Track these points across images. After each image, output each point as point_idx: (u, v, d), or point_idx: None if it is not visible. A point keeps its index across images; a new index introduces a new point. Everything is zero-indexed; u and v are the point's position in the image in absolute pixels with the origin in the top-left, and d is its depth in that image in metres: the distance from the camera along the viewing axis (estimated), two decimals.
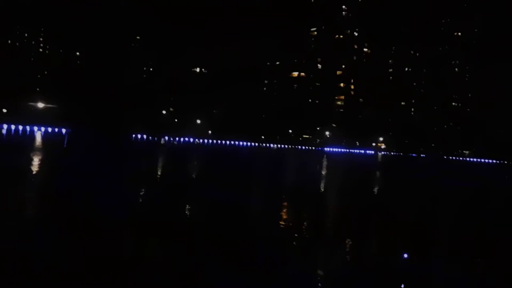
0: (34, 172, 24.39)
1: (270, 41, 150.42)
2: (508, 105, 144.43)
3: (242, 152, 76.96)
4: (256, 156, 71.81)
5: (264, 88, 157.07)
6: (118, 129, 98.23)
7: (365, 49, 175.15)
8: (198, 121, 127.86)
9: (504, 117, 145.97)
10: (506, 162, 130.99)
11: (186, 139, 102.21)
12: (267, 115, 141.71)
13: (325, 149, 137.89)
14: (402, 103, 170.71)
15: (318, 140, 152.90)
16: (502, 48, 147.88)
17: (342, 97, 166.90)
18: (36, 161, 30.22)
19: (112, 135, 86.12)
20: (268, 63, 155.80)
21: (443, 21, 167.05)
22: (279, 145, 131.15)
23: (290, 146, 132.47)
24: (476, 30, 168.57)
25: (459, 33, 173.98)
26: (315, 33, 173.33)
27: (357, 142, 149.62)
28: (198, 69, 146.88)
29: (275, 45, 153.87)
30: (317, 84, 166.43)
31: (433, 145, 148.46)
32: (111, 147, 59.95)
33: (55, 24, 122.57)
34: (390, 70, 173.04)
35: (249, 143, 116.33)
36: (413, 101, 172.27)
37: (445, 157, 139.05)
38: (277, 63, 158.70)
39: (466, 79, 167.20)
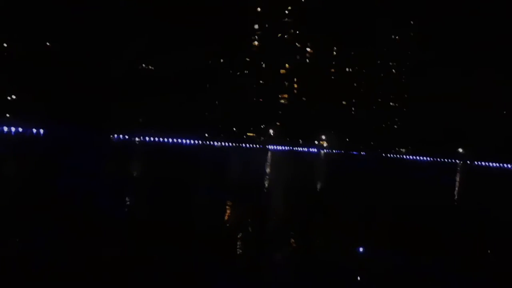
0: None
1: (214, 39, 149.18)
2: (443, 104, 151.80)
3: (174, 151, 75.12)
4: (191, 154, 70.52)
5: (207, 85, 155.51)
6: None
7: (308, 49, 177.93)
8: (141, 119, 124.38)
9: (438, 116, 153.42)
10: (439, 159, 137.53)
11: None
12: (210, 113, 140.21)
13: (269, 147, 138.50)
14: (344, 102, 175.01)
15: (262, 138, 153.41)
16: (438, 49, 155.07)
17: (286, 95, 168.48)
18: None
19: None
20: (210, 62, 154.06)
21: (382, 21, 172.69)
22: (223, 143, 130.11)
23: (234, 144, 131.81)
24: (412, 31, 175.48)
25: (397, 36, 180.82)
26: (259, 32, 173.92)
27: (300, 140, 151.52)
28: (150, 67, 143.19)
29: (219, 44, 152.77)
30: (261, 82, 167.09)
31: (372, 143, 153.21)
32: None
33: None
34: (332, 70, 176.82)
35: (193, 141, 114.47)
36: (354, 100, 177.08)
37: (383, 154, 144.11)
38: (221, 60, 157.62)
39: (403, 80, 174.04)
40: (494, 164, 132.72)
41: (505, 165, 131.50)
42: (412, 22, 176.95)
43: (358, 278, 11.36)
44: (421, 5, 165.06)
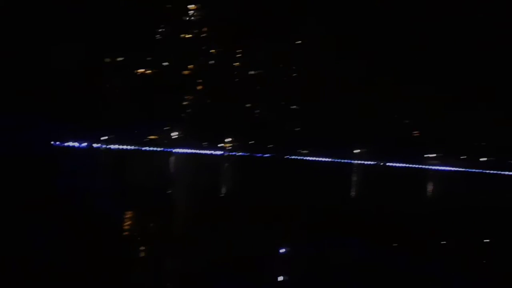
0: None
1: (115, 37, 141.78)
2: (346, 107, 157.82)
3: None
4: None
5: (107, 86, 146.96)
6: None
7: (212, 50, 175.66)
8: None
9: (339, 117, 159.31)
10: (340, 160, 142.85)
11: None
12: (109, 113, 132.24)
13: (173, 150, 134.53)
14: (248, 104, 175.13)
15: (165, 141, 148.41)
16: (344, 53, 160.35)
17: (190, 97, 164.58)
18: None
19: None
20: (109, 60, 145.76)
21: (287, 21, 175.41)
22: (122, 147, 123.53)
23: (135, 147, 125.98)
24: (315, 32, 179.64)
25: (300, 40, 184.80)
26: (163, 30, 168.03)
27: (205, 143, 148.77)
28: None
29: (120, 41, 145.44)
30: (164, 83, 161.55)
31: (276, 145, 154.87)
32: None
33: None
34: (236, 72, 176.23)
35: (89, 144, 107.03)
36: (258, 102, 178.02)
37: (286, 156, 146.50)
38: (121, 59, 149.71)
39: (306, 82, 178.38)
40: (389, 164, 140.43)
41: (398, 164, 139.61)
42: (318, 25, 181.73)
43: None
44: (328, 6, 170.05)
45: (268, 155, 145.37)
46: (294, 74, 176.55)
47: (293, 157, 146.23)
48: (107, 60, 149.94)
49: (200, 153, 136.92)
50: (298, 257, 14.44)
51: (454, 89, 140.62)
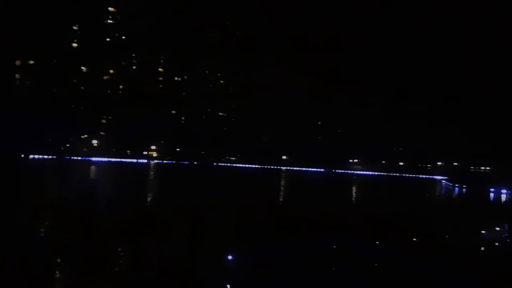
0: None
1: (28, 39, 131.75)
2: (271, 112, 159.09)
3: None
4: None
5: (20, 91, 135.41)
6: None
7: (134, 54, 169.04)
8: None
9: (267, 125, 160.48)
10: (267, 166, 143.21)
11: None
12: (21, 120, 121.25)
13: (92, 159, 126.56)
14: (173, 111, 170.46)
15: (84, 149, 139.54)
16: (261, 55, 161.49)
17: (111, 103, 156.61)
18: None
19: None
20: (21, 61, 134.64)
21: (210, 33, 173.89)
22: (36, 156, 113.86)
23: (51, 156, 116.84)
24: (237, 32, 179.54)
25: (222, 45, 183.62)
26: (79, 32, 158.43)
27: (128, 151, 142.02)
28: None
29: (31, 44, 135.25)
30: (82, 88, 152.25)
31: (203, 152, 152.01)
32: None
33: None
34: (161, 78, 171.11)
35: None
36: (184, 109, 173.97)
37: (215, 163, 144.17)
38: (31, 62, 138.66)
39: (231, 90, 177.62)
40: (312, 169, 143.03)
41: (319, 169, 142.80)
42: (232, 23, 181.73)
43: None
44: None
45: (196, 162, 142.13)
46: (221, 81, 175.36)
47: (221, 164, 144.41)
48: (18, 63, 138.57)
49: (123, 162, 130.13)
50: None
51: (374, 96, 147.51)
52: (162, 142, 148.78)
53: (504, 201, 59.57)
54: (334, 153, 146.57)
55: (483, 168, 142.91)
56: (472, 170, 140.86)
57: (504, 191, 76.46)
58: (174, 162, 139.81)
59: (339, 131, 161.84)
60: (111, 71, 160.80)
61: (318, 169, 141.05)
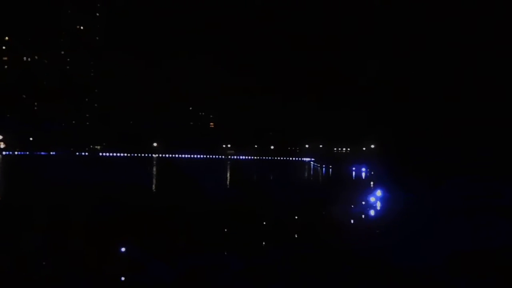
0: None
1: None
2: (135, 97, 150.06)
3: None
4: None
5: None
6: None
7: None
8: None
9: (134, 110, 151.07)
10: (135, 154, 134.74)
11: None
12: None
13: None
14: (24, 97, 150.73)
15: None
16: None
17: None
18: None
19: None
20: None
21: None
22: None
23: None
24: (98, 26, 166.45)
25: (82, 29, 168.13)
26: None
27: None
28: None
29: None
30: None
31: (61, 142, 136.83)
32: None
33: None
34: (6, 66, 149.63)
35: None
36: (36, 100, 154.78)
37: (77, 153, 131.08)
38: None
39: (92, 74, 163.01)
40: (184, 155, 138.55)
41: (195, 156, 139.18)
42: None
43: None
44: None
45: (55, 152, 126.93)
46: (92, 73, 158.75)
47: (84, 153, 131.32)
48: None
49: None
50: None
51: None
52: (12, 132, 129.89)
53: (365, 177, 63.57)
54: (208, 140, 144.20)
55: (344, 149, 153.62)
56: (335, 151, 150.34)
57: (363, 168, 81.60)
58: (27, 153, 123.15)
59: (211, 116, 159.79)
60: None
61: (193, 156, 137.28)
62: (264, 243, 16.07)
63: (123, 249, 14.24)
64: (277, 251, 14.67)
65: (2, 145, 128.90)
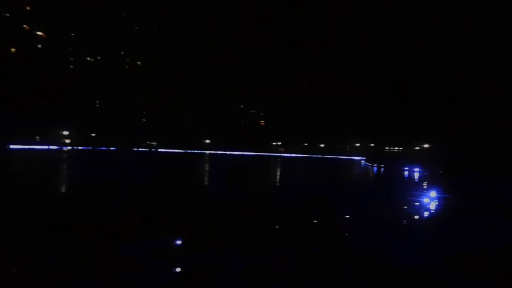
0: None
1: None
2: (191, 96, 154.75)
3: None
4: None
5: None
6: None
7: (40, 33, 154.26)
8: None
9: (186, 109, 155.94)
10: (188, 150, 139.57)
11: None
12: None
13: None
14: (84, 95, 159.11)
15: None
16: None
17: (16, 83, 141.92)
18: None
19: None
20: None
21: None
22: None
23: None
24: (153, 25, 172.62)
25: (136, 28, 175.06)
26: None
27: (37, 137, 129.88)
28: None
29: None
30: None
31: (121, 138, 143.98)
32: None
33: None
34: (72, 66, 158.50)
35: None
36: (96, 94, 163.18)
37: (134, 149, 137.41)
38: None
39: (141, 70, 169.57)
40: (235, 152, 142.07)
41: (239, 152, 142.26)
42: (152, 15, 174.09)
43: None
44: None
45: (114, 148, 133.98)
46: (139, 63, 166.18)
47: (140, 149, 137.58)
48: None
49: (32, 149, 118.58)
50: None
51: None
52: (75, 127, 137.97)
53: (419, 177, 63.23)
54: (258, 137, 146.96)
55: (396, 148, 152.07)
56: (387, 150, 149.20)
57: (416, 169, 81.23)
58: (89, 148, 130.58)
59: (261, 114, 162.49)
60: (12, 48, 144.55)
61: (243, 153, 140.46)
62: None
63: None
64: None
65: (68, 141, 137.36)
